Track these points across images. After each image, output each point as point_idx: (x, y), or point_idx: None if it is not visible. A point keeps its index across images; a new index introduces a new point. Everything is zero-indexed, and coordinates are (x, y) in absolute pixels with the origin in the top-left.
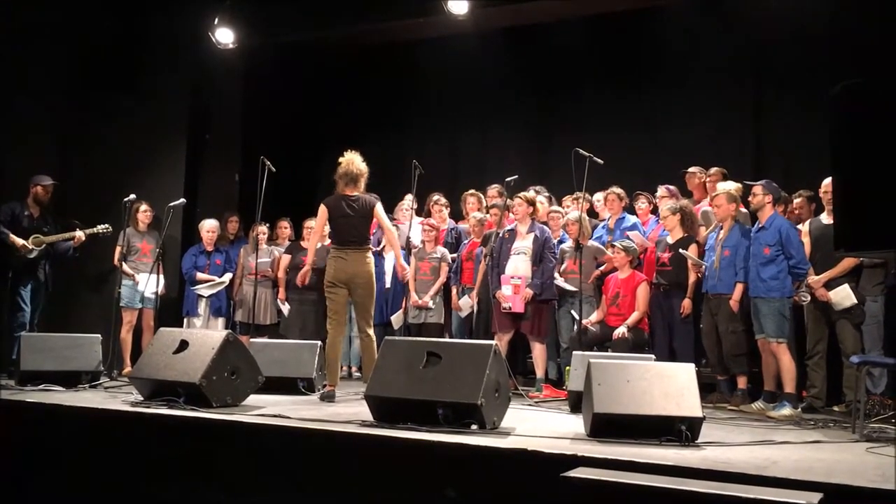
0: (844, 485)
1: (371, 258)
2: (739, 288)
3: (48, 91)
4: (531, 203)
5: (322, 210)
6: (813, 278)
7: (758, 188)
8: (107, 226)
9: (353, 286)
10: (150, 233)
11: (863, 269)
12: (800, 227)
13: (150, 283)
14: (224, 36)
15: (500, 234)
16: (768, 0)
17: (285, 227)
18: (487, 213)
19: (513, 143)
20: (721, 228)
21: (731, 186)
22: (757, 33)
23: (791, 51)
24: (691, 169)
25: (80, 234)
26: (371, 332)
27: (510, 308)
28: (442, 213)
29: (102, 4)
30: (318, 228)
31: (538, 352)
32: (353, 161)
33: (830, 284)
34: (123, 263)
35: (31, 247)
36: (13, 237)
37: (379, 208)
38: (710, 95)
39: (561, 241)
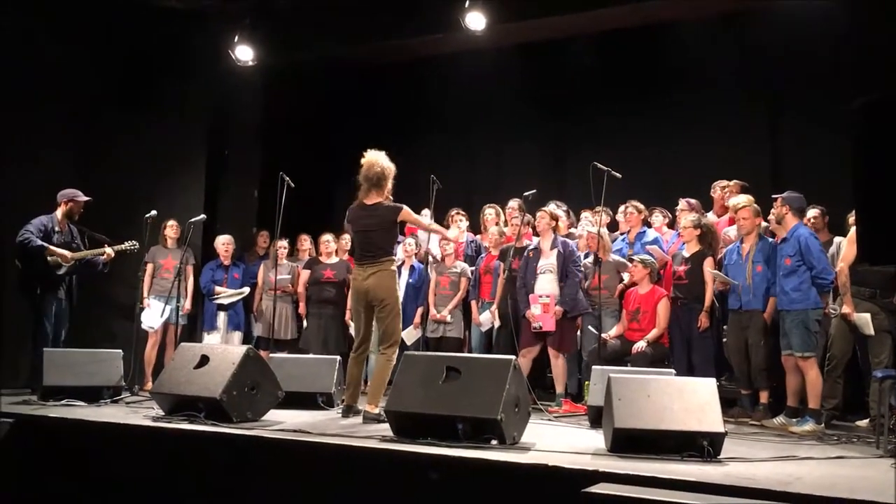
0: (869, 501)
1: (392, 271)
2: (772, 302)
3: (68, 108)
4: (554, 218)
5: (347, 226)
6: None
7: (778, 200)
8: (134, 242)
9: (373, 303)
10: (176, 250)
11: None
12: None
13: (166, 306)
14: (243, 53)
15: (525, 253)
16: (782, 15)
17: (306, 241)
18: (506, 226)
19: (530, 158)
20: (742, 242)
21: (745, 199)
22: (772, 48)
23: (806, 65)
24: (720, 182)
25: (109, 251)
26: (390, 351)
27: (541, 327)
28: (459, 225)
29: (123, 22)
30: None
31: (559, 367)
32: (376, 162)
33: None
34: (148, 280)
35: (70, 258)
36: (54, 248)
37: (406, 214)
38: (726, 110)
39: (586, 256)
